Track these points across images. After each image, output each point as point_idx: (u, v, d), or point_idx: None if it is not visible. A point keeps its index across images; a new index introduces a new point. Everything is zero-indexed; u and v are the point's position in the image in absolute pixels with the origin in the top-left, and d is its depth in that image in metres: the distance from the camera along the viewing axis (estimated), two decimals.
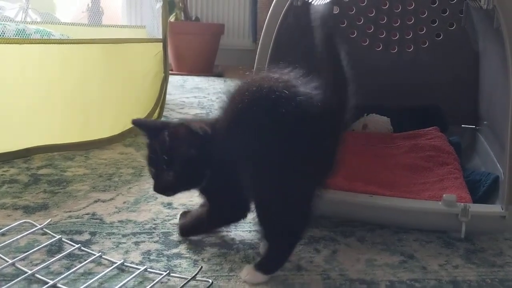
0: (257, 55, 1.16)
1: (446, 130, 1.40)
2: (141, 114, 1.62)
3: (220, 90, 2.70)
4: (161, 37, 1.66)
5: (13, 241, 0.90)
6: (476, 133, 1.41)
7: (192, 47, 3.20)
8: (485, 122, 1.36)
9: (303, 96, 0.76)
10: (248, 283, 0.81)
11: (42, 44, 1.41)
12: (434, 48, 1.48)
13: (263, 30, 1.06)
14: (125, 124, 1.57)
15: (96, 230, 0.98)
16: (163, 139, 0.83)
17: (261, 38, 1.09)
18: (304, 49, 1.42)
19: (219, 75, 3.26)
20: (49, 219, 0.98)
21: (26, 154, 1.37)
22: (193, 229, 0.96)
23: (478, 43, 1.39)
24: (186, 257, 0.89)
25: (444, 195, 0.94)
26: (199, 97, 2.45)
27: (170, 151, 0.82)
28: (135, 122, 0.89)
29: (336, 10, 1.52)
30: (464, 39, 1.42)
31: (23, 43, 1.36)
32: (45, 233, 0.94)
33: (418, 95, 1.50)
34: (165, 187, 0.85)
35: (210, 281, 0.80)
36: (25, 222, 0.97)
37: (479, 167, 1.25)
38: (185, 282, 0.79)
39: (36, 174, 1.26)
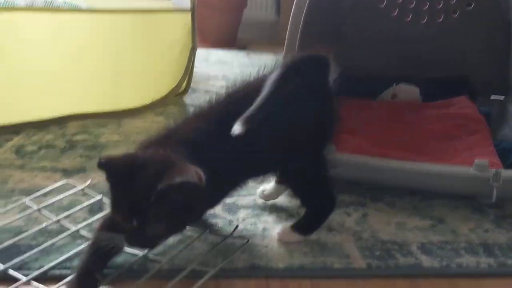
0: (288, 31, 1.21)
1: (475, 101, 1.40)
2: (170, 84, 1.64)
3: (244, 63, 2.70)
4: (189, 7, 1.66)
5: (56, 200, 0.94)
6: (505, 103, 1.40)
7: (215, 20, 3.19)
8: None
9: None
10: (283, 242, 0.84)
11: (72, 13, 1.43)
12: (465, 17, 1.46)
13: (294, 5, 1.07)
14: (155, 94, 1.59)
15: None
16: (149, 184, 0.65)
17: (291, 16, 1.11)
18: (332, 26, 1.43)
19: (242, 48, 3.26)
20: (89, 181, 1.02)
21: (60, 121, 1.41)
22: None
23: (510, 12, 1.37)
24: (222, 217, 0.92)
25: (476, 160, 0.95)
26: (223, 69, 2.46)
27: (161, 200, 0.65)
28: (101, 164, 0.67)
29: None
30: (495, 7, 1.40)
31: (55, 11, 1.38)
32: (85, 194, 0.98)
33: (447, 66, 1.49)
34: (152, 241, 0.70)
35: (247, 238, 0.83)
36: (66, 183, 1.01)
37: (509, 136, 1.25)
38: (223, 239, 0.82)
39: (72, 140, 1.30)
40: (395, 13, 1.53)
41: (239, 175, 0.80)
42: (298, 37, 1.23)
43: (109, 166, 0.68)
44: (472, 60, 1.47)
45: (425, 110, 1.32)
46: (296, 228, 0.85)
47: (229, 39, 3.27)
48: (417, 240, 0.88)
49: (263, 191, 0.98)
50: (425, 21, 1.50)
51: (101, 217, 0.88)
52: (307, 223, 0.86)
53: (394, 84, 1.44)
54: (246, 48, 3.26)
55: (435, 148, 1.12)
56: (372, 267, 0.79)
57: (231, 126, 0.70)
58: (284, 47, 1.26)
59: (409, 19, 1.52)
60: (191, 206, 0.69)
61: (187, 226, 0.79)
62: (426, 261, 0.82)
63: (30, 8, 1.34)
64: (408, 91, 1.41)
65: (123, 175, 0.67)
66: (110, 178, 0.68)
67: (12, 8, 1.31)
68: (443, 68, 1.47)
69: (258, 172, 0.84)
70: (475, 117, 1.24)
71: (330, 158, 0.86)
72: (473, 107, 1.30)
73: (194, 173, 0.65)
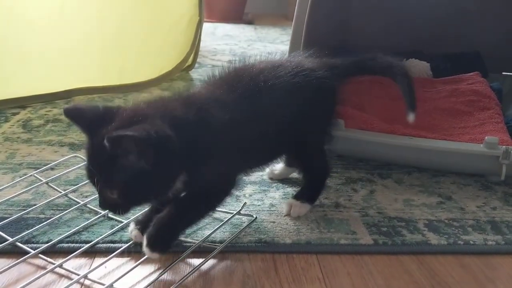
0: (295, 10, 1.19)
1: (487, 77, 1.37)
2: (177, 59, 1.63)
3: (251, 37, 2.67)
4: None
5: (64, 174, 0.94)
6: None
7: None
8: None
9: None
10: (294, 217, 0.84)
11: None
12: None
13: None
14: (162, 69, 1.58)
15: None
16: (100, 145, 0.58)
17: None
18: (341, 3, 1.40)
19: (249, 22, 3.22)
20: None
21: (67, 95, 1.40)
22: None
23: None
24: None
25: (486, 137, 0.94)
26: (230, 44, 2.43)
27: (109, 163, 0.59)
28: (67, 112, 0.66)
29: None
30: None
31: None
32: None
33: (458, 42, 1.47)
34: (112, 206, 0.65)
35: (254, 216, 0.83)
36: (73, 156, 1.01)
37: None
38: (231, 216, 0.82)
39: None
40: None
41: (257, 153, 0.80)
42: (306, 17, 1.21)
43: (76, 114, 0.65)
44: (484, 36, 1.44)
45: (436, 85, 1.30)
46: (303, 199, 0.86)
47: (236, 13, 3.23)
48: (424, 217, 0.87)
49: (272, 171, 0.99)
50: None
51: None
52: (311, 190, 0.88)
53: (404, 59, 1.42)
54: (252, 23, 3.23)
55: (445, 125, 1.10)
56: (378, 243, 0.79)
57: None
58: (292, 26, 1.24)
59: None
60: (152, 173, 0.59)
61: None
62: (433, 238, 0.81)
63: None
64: (419, 67, 1.39)
65: (89, 126, 0.63)
66: (82, 128, 0.65)
67: None
68: (454, 45, 1.44)
69: (275, 151, 0.85)
70: (486, 93, 1.22)
71: (338, 134, 0.91)
72: (484, 83, 1.28)
73: (142, 129, 0.57)
